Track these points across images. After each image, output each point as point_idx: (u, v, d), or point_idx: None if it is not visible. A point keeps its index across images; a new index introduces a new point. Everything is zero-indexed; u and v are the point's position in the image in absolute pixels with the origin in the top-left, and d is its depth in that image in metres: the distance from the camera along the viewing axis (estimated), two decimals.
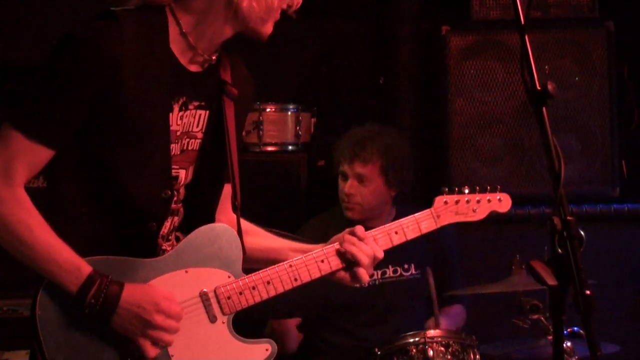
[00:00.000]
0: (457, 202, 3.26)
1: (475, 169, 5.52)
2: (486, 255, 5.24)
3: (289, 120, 5.47)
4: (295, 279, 2.96)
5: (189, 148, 2.88)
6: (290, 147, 5.48)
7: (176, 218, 2.92)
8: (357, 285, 3.06)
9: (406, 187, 4.79)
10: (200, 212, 2.96)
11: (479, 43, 5.55)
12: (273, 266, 2.95)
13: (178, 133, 2.82)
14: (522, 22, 2.38)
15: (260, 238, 3.13)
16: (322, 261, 3.01)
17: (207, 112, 2.89)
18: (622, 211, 5.49)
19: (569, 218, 2.22)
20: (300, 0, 2.85)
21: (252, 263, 3.00)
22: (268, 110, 5.43)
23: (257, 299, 2.91)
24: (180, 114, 2.81)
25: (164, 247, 2.89)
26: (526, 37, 2.36)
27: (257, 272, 2.93)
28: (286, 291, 2.96)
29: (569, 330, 4.13)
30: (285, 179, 5.50)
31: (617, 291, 5.31)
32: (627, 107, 5.66)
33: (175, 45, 2.77)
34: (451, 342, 4.23)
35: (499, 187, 3.35)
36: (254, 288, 2.90)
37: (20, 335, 3.58)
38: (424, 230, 3.20)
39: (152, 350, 2.74)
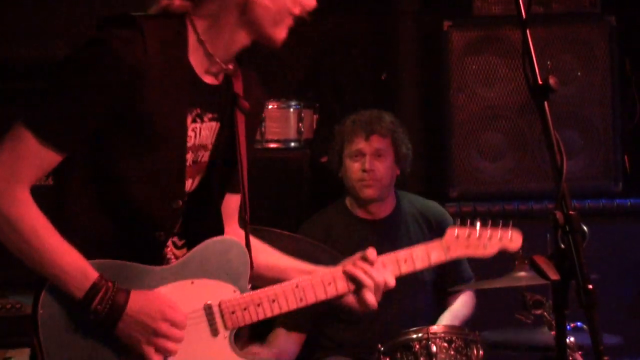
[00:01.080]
0: (468, 236, 3.26)
1: (477, 164, 5.52)
2: None
3: (291, 117, 5.47)
4: (301, 299, 2.94)
5: (201, 160, 2.87)
6: (292, 144, 5.48)
7: (176, 224, 2.91)
8: (366, 311, 3.05)
9: (406, 166, 4.81)
10: (201, 221, 2.94)
11: (480, 39, 5.55)
12: (279, 284, 2.93)
13: (191, 144, 2.80)
14: (524, 18, 2.38)
15: (266, 255, 3.11)
16: (330, 284, 2.99)
17: (218, 124, 2.88)
18: (625, 206, 5.49)
19: (571, 213, 2.23)
20: (313, 3, 2.82)
21: (255, 279, 2.98)
22: (270, 107, 5.42)
23: (261, 316, 2.88)
24: (194, 125, 2.80)
25: (168, 256, 2.88)
26: (528, 33, 2.36)
27: (263, 289, 2.90)
28: (290, 311, 2.93)
29: (571, 325, 4.13)
30: (288, 175, 5.50)
31: (619, 285, 5.31)
32: (629, 102, 5.66)
33: (193, 55, 2.76)
34: (454, 338, 4.23)
35: (511, 223, 3.37)
36: (259, 305, 2.87)
37: (23, 333, 3.58)
38: (433, 262, 3.20)
39: (155, 358, 2.73)
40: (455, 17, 5.58)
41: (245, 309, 2.86)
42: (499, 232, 3.32)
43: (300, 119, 5.46)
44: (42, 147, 2.63)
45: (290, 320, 4.57)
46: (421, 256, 3.15)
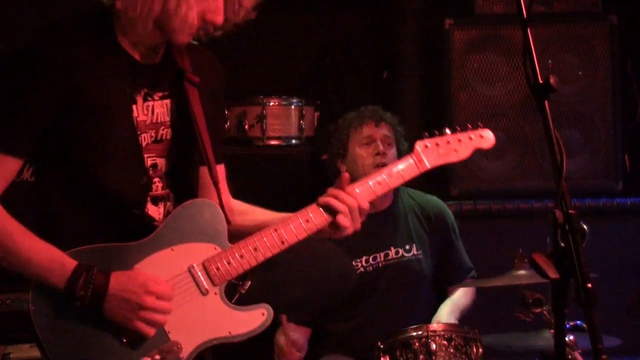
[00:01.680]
0: (437, 144, 3.21)
1: (478, 162, 5.52)
2: (489, 249, 5.23)
3: (292, 114, 5.48)
4: (283, 242, 2.97)
5: (166, 138, 2.96)
6: (293, 141, 5.48)
7: (169, 203, 2.99)
8: (342, 236, 3.04)
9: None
10: (185, 198, 3.01)
11: (482, 37, 5.56)
12: (258, 232, 2.97)
13: (147, 122, 2.92)
14: (525, 17, 2.39)
15: (256, 215, 3.16)
16: (307, 221, 3.01)
17: (170, 100, 2.97)
18: (625, 205, 5.50)
19: (571, 211, 2.23)
20: (220, 20, 2.86)
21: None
22: (271, 104, 5.43)
23: (247, 267, 2.93)
24: (146, 104, 2.91)
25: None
26: (529, 32, 2.36)
27: (243, 240, 2.95)
28: (274, 255, 2.97)
29: (571, 323, 4.14)
30: (289, 173, 5.50)
31: (619, 285, 5.31)
32: (630, 101, 5.67)
33: (124, 41, 2.88)
34: (454, 336, 4.23)
35: (480, 124, 3.32)
36: (241, 256, 2.93)
37: (22, 329, 3.59)
38: (407, 177, 3.16)
39: (148, 330, 2.81)
40: (456, 16, 5.58)
41: (229, 263, 2.92)
42: (468, 134, 3.28)
43: (301, 116, 5.46)
44: (1, 157, 2.77)
45: (294, 317, 4.56)
46: (394, 174, 3.13)
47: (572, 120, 5.51)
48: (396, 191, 4.82)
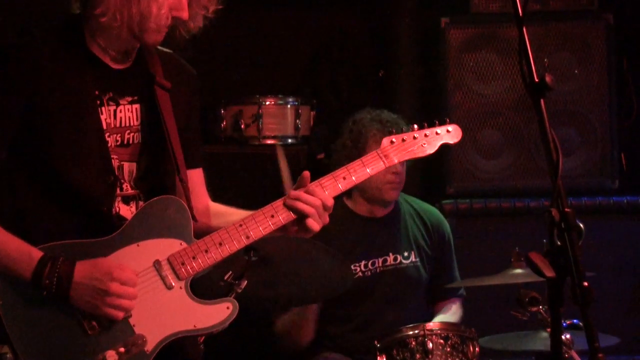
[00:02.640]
0: (403, 140, 3.19)
1: (474, 161, 5.53)
2: (485, 248, 5.24)
3: (288, 114, 5.48)
4: (247, 237, 2.98)
5: (134, 142, 3.01)
6: (289, 140, 5.49)
7: (141, 202, 3.03)
8: (311, 234, 3.03)
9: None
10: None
11: (478, 36, 5.56)
12: (224, 228, 2.98)
13: (112, 126, 2.97)
14: (521, 15, 2.38)
15: (233, 216, 3.14)
16: (272, 216, 3.01)
17: (139, 105, 3.02)
18: (621, 203, 5.50)
19: (567, 210, 2.23)
20: (186, 15, 2.92)
21: None
22: (267, 103, 5.43)
23: (212, 261, 2.95)
24: (111, 108, 2.96)
25: None
26: (525, 30, 2.36)
27: (208, 235, 2.97)
28: (239, 249, 2.98)
29: (567, 322, 4.14)
30: None
31: (616, 283, 5.32)
32: (626, 99, 5.67)
33: (94, 46, 2.95)
34: (450, 335, 4.23)
35: (447, 119, 3.31)
36: (206, 251, 2.94)
37: None
38: (372, 172, 3.12)
39: (116, 314, 2.84)
40: (452, 14, 5.58)
41: (194, 258, 2.94)
42: (435, 129, 3.26)
43: (297, 116, 5.47)
44: None
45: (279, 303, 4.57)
46: (359, 170, 3.10)
47: (568, 118, 5.51)
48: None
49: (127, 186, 3.01)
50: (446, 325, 4.31)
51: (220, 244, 2.96)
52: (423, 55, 5.80)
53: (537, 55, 5.20)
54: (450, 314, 4.74)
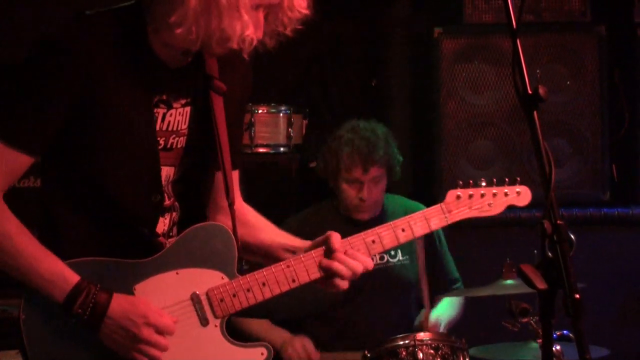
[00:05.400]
0: (470, 196, 3.08)
1: (466, 171, 5.52)
2: (477, 258, 5.24)
3: (280, 122, 5.47)
4: (294, 280, 2.85)
5: (177, 146, 2.82)
6: (282, 149, 5.48)
7: (174, 213, 2.87)
8: (332, 290, 2.95)
9: (396, 175, 4.82)
10: (192, 209, 2.91)
11: (471, 46, 5.56)
12: (269, 267, 2.85)
13: (158, 129, 2.78)
14: (514, 26, 2.38)
15: (258, 231, 3.04)
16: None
17: (190, 108, 2.83)
18: (612, 215, 5.51)
19: (559, 222, 2.23)
20: (254, 37, 2.70)
21: (247, 254, 2.96)
22: (260, 111, 5.42)
23: (252, 302, 2.81)
24: (161, 111, 2.77)
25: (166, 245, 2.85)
26: (518, 41, 2.36)
27: (252, 273, 2.82)
28: (282, 293, 2.85)
29: (558, 333, 4.14)
30: (277, 180, 5.49)
31: (607, 295, 5.32)
32: (618, 111, 5.67)
33: (154, 41, 2.72)
34: (441, 345, 4.23)
35: (518, 179, 3.23)
36: (248, 290, 2.81)
37: (9, 334, 3.57)
38: (434, 227, 3.02)
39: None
40: (445, 24, 5.59)
41: (234, 295, 2.79)
42: (504, 189, 3.15)
43: (289, 124, 5.46)
44: (12, 152, 2.63)
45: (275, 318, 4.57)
46: (420, 223, 2.97)
47: (560, 129, 5.51)
48: (385, 199, 4.83)
49: (166, 196, 2.83)
50: (437, 336, 4.31)
51: (264, 285, 2.81)
52: (415, 64, 5.81)
53: (530, 66, 5.20)
54: (448, 307, 4.73)
